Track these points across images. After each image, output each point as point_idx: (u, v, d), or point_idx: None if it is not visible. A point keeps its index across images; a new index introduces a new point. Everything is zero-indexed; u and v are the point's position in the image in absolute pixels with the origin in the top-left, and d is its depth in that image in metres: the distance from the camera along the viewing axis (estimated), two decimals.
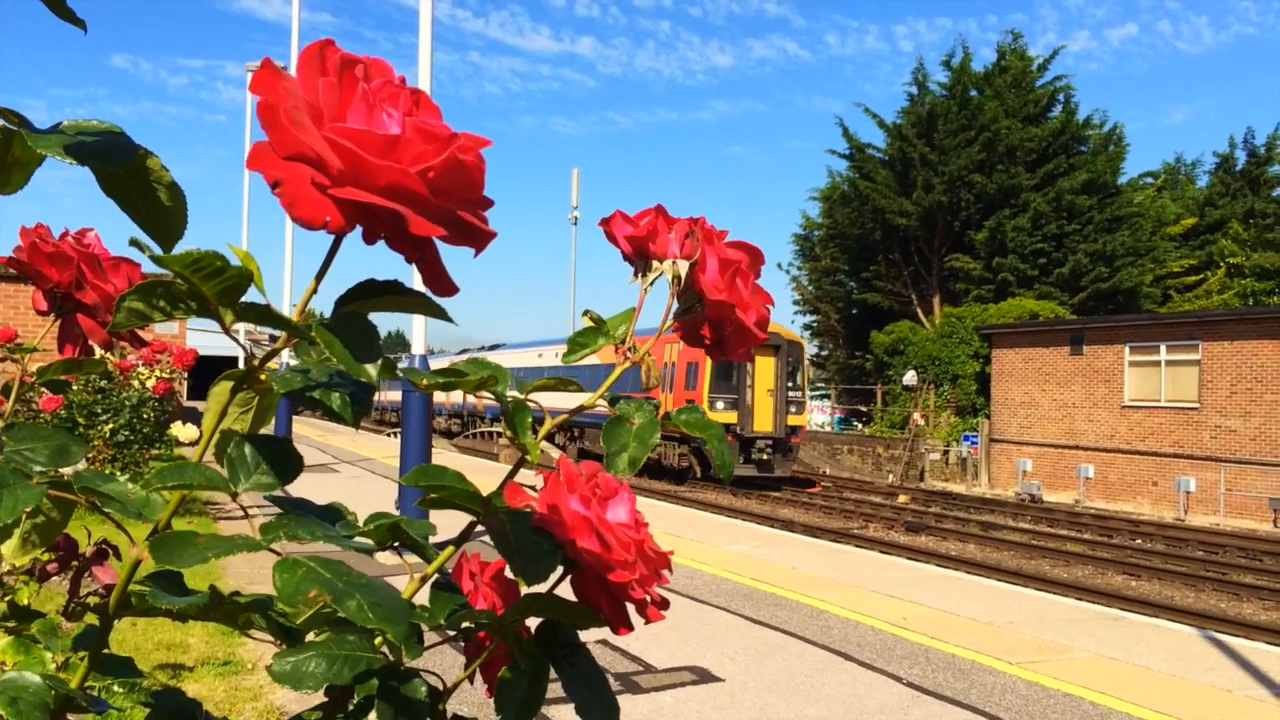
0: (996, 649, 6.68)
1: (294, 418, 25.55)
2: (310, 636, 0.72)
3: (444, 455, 25.01)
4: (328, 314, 0.64)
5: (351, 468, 19.01)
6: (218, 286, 0.60)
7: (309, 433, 30.28)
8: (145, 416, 10.54)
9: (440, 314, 0.67)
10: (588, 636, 0.82)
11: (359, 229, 0.58)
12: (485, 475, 15.82)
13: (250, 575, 7.62)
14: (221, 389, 0.69)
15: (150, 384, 10.45)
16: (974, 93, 36.13)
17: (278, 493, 0.69)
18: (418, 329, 10.40)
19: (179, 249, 0.66)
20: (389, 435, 36.09)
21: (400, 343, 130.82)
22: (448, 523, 0.75)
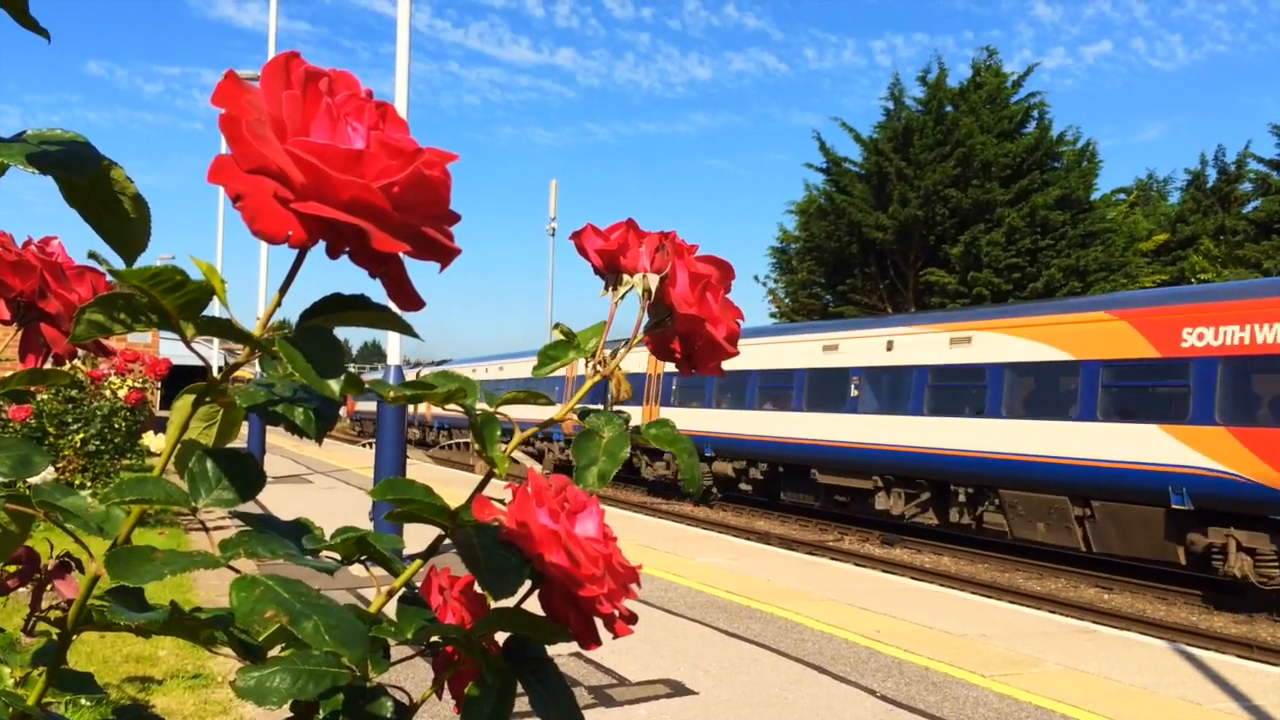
0: (970, 662, 6.71)
1: (269, 428, 25.33)
2: (275, 651, 0.72)
3: (419, 467, 24.88)
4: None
5: (325, 479, 18.89)
6: (178, 300, 0.60)
7: (283, 443, 30.07)
8: (117, 426, 10.44)
9: (405, 329, 0.67)
10: (561, 649, 0.82)
11: (323, 243, 0.57)
12: (462, 487, 15.76)
13: (221, 587, 7.54)
14: (183, 403, 0.69)
15: (122, 394, 10.36)
16: (950, 108, 36.39)
17: (248, 505, 0.69)
18: (393, 341, 10.36)
19: (145, 260, 0.66)
20: (363, 446, 35.91)
21: (376, 354, 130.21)
22: (425, 535, 0.74)
